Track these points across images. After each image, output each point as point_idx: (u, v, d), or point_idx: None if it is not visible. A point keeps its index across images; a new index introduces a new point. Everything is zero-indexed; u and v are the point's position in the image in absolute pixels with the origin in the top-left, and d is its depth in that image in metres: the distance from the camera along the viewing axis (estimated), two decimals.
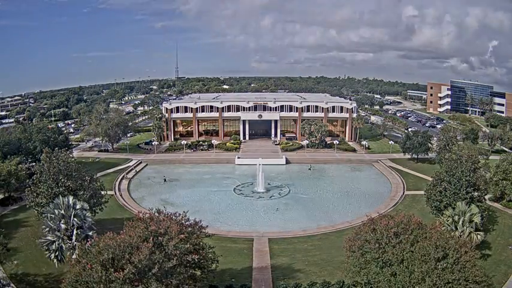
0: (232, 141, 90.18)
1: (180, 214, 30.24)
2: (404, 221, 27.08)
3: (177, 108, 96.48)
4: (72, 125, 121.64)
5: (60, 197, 33.31)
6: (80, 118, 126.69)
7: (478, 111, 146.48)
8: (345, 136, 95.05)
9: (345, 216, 48.04)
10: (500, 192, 49.17)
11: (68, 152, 57.44)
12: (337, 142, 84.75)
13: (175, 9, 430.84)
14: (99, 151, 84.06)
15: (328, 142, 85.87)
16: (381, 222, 27.74)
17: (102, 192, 41.84)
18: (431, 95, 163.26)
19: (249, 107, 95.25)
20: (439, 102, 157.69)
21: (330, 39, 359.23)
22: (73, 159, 46.90)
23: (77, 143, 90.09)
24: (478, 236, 32.62)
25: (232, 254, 37.93)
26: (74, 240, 30.56)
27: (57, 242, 30.34)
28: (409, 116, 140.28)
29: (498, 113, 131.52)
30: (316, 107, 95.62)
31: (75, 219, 31.42)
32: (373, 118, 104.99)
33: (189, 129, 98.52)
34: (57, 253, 30.29)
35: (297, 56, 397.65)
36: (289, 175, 68.99)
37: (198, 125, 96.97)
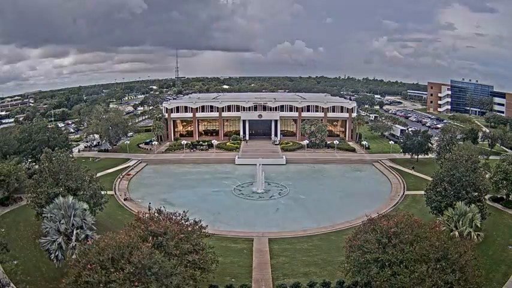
0: (232, 141, 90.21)
1: (179, 214, 30.34)
2: (404, 220, 27.08)
3: (177, 108, 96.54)
4: (72, 125, 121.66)
5: (60, 197, 33.29)
6: (79, 118, 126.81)
7: (478, 111, 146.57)
8: (345, 136, 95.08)
9: (345, 216, 47.91)
10: (500, 193, 49.27)
11: (68, 152, 57.91)
12: (337, 142, 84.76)
13: None
14: (99, 151, 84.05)
15: (328, 142, 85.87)
16: (381, 222, 27.75)
17: (102, 192, 41.80)
18: (431, 95, 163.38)
19: (249, 107, 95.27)
20: (439, 102, 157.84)
21: None
22: (73, 159, 47.00)
23: (76, 143, 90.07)
24: (478, 236, 32.57)
25: (232, 254, 37.94)
26: (74, 240, 30.53)
27: (57, 242, 30.29)
28: (409, 116, 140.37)
29: (498, 113, 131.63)
30: (316, 107, 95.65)
31: (75, 219, 31.37)
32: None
33: (189, 129, 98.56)
34: (57, 253, 30.24)
35: None
36: (289, 175, 68.98)
37: (198, 125, 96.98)
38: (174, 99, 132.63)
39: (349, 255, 27.80)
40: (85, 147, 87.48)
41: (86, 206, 33.28)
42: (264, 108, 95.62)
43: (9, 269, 33.52)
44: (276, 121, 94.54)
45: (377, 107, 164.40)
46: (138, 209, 40.61)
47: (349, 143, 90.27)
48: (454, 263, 23.97)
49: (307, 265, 35.77)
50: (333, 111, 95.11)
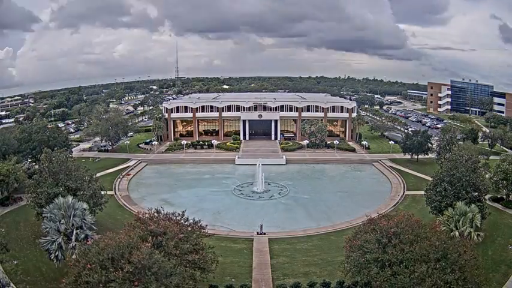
0: (232, 141, 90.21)
1: (179, 214, 30.35)
2: (404, 221, 27.07)
3: (177, 108, 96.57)
4: (72, 125, 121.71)
5: (60, 197, 33.29)
6: (79, 118, 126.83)
7: (478, 111, 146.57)
8: (345, 136, 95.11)
9: (345, 216, 47.98)
10: (500, 193, 49.28)
11: (68, 152, 57.91)
12: (337, 142, 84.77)
13: None
14: (99, 151, 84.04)
15: (328, 142, 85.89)
16: (381, 222, 27.76)
17: (102, 192, 41.79)
18: (431, 95, 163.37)
19: (249, 107, 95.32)
20: (439, 102, 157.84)
21: None
22: (72, 159, 46.99)
23: (76, 143, 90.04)
24: (478, 236, 32.55)
25: (232, 254, 37.95)
26: (73, 240, 30.53)
27: (57, 242, 30.29)
28: (409, 116, 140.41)
29: (498, 113, 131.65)
30: (316, 107, 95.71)
31: (75, 219, 31.37)
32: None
33: (189, 129, 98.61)
34: (57, 253, 30.24)
35: None
36: (289, 175, 68.94)
37: (198, 125, 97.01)
38: (174, 99, 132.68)
39: (349, 255, 27.80)
40: (90, 147, 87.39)
41: (85, 206, 33.28)
42: (264, 108, 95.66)
43: (9, 269, 33.52)
44: (276, 121, 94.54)
45: (377, 107, 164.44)
46: (138, 209, 40.63)
47: (349, 143, 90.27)
48: (453, 263, 23.95)
49: (307, 265, 35.76)
50: (333, 111, 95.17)
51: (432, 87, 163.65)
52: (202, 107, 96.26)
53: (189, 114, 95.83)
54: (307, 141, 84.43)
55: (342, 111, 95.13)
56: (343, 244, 29.52)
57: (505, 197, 49.80)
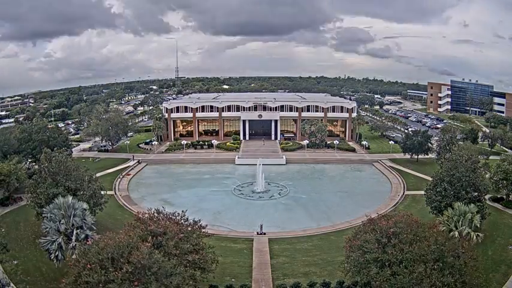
0: (232, 141, 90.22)
1: (178, 214, 30.37)
2: (403, 220, 27.08)
3: (177, 108, 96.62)
4: (72, 125, 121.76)
5: (60, 197, 33.27)
6: (79, 118, 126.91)
7: (478, 111, 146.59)
8: (345, 136, 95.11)
9: (345, 216, 47.98)
10: (500, 193, 49.28)
11: (68, 152, 57.92)
12: (337, 142, 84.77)
13: None
14: (99, 151, 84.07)
15: (328, 142, 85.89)
16: (380, 222, 27.77)
17: (102, 192, 41.76)
18: (431, 95, 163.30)
19: (249, 107, 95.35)
20: (439, 102, 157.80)
21: None
22: (72, 159, 46.98)
23: (76, 143, 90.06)
24: (478, 237, 32.53)
25: (232, 254, 37.94)
26: (73, 240, 30.52)
27: (57, 242, 30.28)
28: (409, 116, 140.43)
29: (498, 113, 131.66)
30: (316, 107, 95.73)
31: (75, 219, 31.36)
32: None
33: (189, 129, 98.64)
34: (57, 253, 30.23)
35: None
36: (289, 175, 68.94)
37: (198, 125, 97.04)
38: (174, 99, 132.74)
39: (349, 255, 27.80)
40: (90, 147, 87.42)
41: (85, 206, 33.24)
42: (264, 108, 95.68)
43: (9, 269, 33.52)
44: (276, 121, 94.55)
45: (377, 107, 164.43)
46: (138, 209, 40.63)
47: (349, 143, 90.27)
48: (451, 264, 23.92)
49: (307, 265, 35.76)
50: (333, 111, 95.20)
51: (432, 87, 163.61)
52: (202, 107, 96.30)
53: (189, 114, 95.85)
54: (307, 141, 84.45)
55: (342, 111, 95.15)
56: (343, 244, 29.53)
57: (505, 197, 49.78)
